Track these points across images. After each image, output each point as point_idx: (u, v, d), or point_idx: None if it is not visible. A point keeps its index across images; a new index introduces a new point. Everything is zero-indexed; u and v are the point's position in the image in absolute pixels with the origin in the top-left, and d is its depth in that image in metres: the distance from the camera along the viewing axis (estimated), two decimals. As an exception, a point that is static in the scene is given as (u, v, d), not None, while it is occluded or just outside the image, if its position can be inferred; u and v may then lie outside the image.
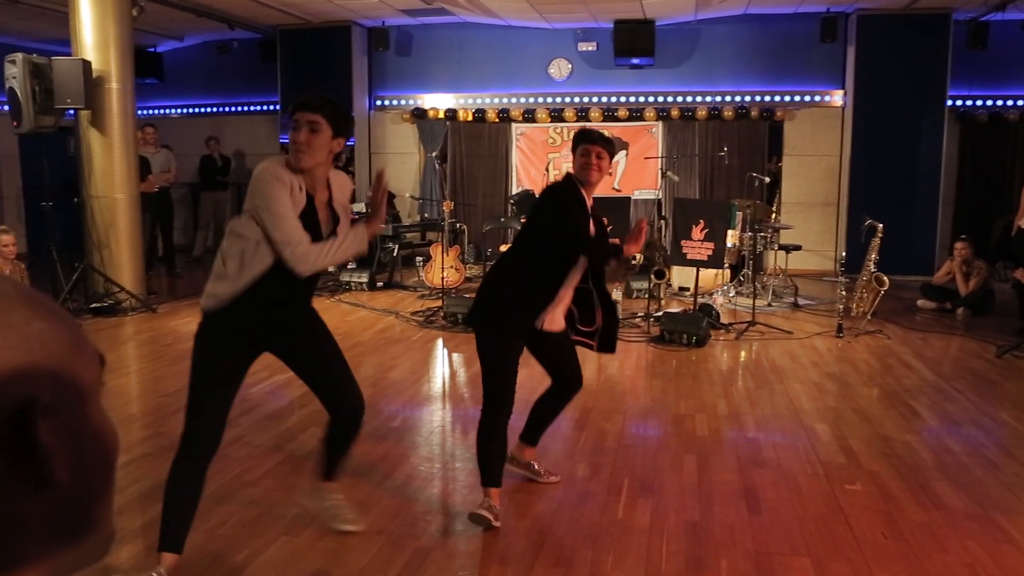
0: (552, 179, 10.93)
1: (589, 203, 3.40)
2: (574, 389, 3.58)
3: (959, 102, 10.43)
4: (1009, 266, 8.83)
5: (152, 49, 12.22)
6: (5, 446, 0.48)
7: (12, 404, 0.48)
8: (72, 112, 7.45)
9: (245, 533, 3.16)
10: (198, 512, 3.24)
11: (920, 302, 8.19)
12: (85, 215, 7.70)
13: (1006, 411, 4.86)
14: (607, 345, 3.56)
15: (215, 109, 12.51)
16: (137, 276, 7.93)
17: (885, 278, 7.11)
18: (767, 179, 9.27)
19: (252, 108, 12.28)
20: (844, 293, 7.05)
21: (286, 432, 4.34)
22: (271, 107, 11.99)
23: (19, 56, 6.96)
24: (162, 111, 12.63)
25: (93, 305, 7.42)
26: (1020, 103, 10.39)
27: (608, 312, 3.52)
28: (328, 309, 7.90)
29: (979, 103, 10.51)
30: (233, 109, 12.40)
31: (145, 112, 11.83)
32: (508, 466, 3.50)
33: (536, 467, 3.71)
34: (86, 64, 7.20)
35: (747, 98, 10.69)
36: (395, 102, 11.66)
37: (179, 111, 12.70)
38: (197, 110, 12.61)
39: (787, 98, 10.64)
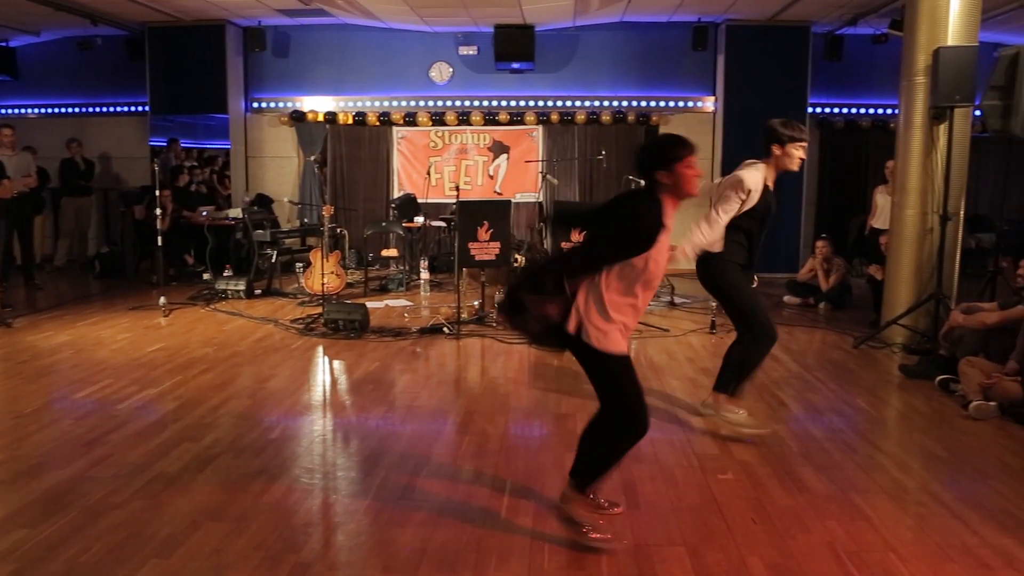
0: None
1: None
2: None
3: (819, 109, 11.09)
4: (864, 263, 9.46)
5: (3, 43, 11.43)
6: None
7: None
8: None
9: (111, 559, 2.99)
10: (55, 542, 3.06)
11: (786, 298, 8.65)
12: (-72, 223, 7.11)
13: (862, 398, 5.21)
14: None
15: (78, 110, 11.82)
16: (-10, 288, 7.39)
17: (755, 276, 7.44)
18: (643, 182, 9.53)
19: (119, 109, 11.69)
20: (717, 291, 7.33)
21: (157, 448, 4.14)
22: (140, 108, 11.45)
23: None
24: (17, 111, 11.84)
25: (-61, 320, 6.86)
26: (872, 111, 11.16)
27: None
28: (203, 319, 7.60)
29: (836, 110, 11.21)
30: (98, 110, 11.76)
31: (-3, 112, 11.06)
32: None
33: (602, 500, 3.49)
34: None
35: (624, 103, 11.01)
36: (272, 104, 11.35)
37: (37, 111, 11.92)
38: (57, 110, 11.88)
39: (662, 103, 11.03)
